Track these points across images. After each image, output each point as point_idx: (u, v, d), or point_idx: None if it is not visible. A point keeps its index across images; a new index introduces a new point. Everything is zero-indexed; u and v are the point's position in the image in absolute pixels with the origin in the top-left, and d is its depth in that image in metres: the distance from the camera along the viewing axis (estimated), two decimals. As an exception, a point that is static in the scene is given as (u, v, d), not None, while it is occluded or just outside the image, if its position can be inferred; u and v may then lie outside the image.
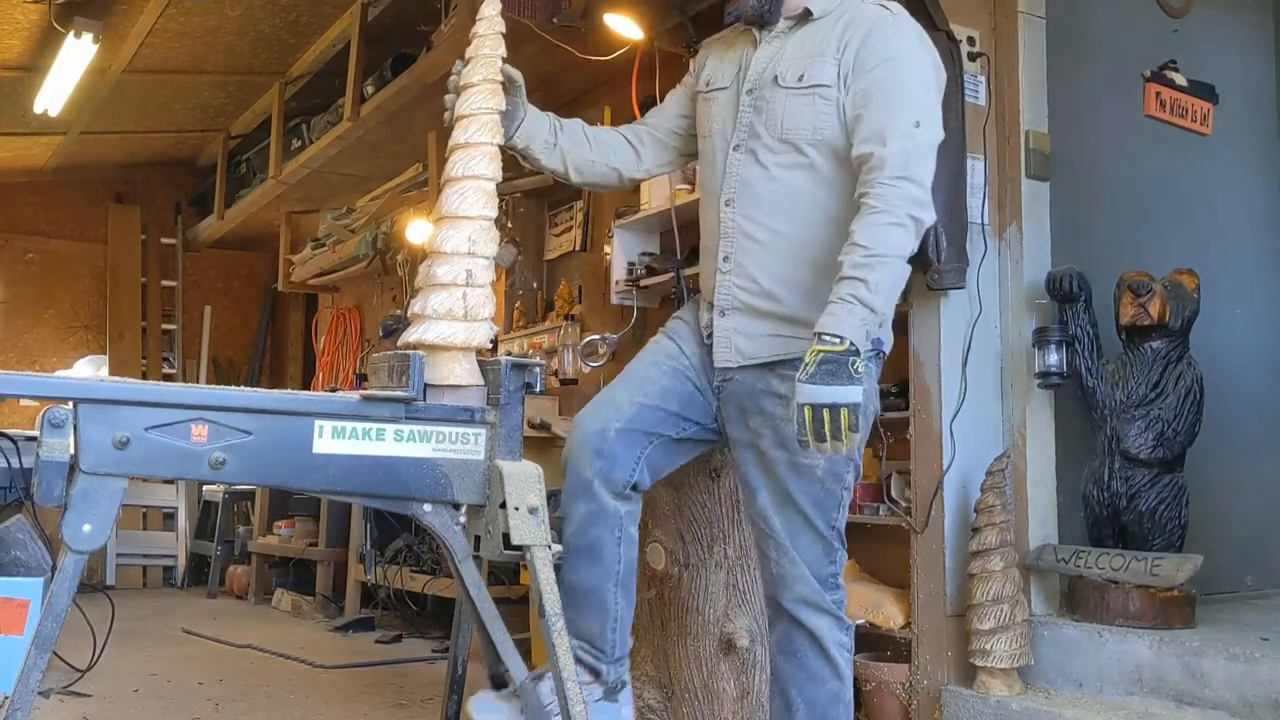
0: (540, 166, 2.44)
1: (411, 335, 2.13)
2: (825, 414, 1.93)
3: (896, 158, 2.07)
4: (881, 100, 2.13)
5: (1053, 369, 3.03)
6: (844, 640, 2.28)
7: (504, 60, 2.23)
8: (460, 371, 2.14)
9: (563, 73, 4.98)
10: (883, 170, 2.07)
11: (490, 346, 2.26)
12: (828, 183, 2.20)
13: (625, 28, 4.35)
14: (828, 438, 1.94)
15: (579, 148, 2.43)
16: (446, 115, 2.24)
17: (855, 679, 3.04)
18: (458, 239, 2.12)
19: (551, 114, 2.44)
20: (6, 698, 1.89)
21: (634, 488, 2.33)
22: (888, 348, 2.25)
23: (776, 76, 2.26)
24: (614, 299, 4.60)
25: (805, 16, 2.27)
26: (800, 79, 2.23)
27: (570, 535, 2.35)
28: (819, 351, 1.95)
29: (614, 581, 2.32)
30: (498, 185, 2.20)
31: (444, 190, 2.16)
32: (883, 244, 2.02)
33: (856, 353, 1.95)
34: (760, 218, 2.25)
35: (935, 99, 2.19)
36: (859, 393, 1.94)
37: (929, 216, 2.10)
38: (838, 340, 1.95)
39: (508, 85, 2.25)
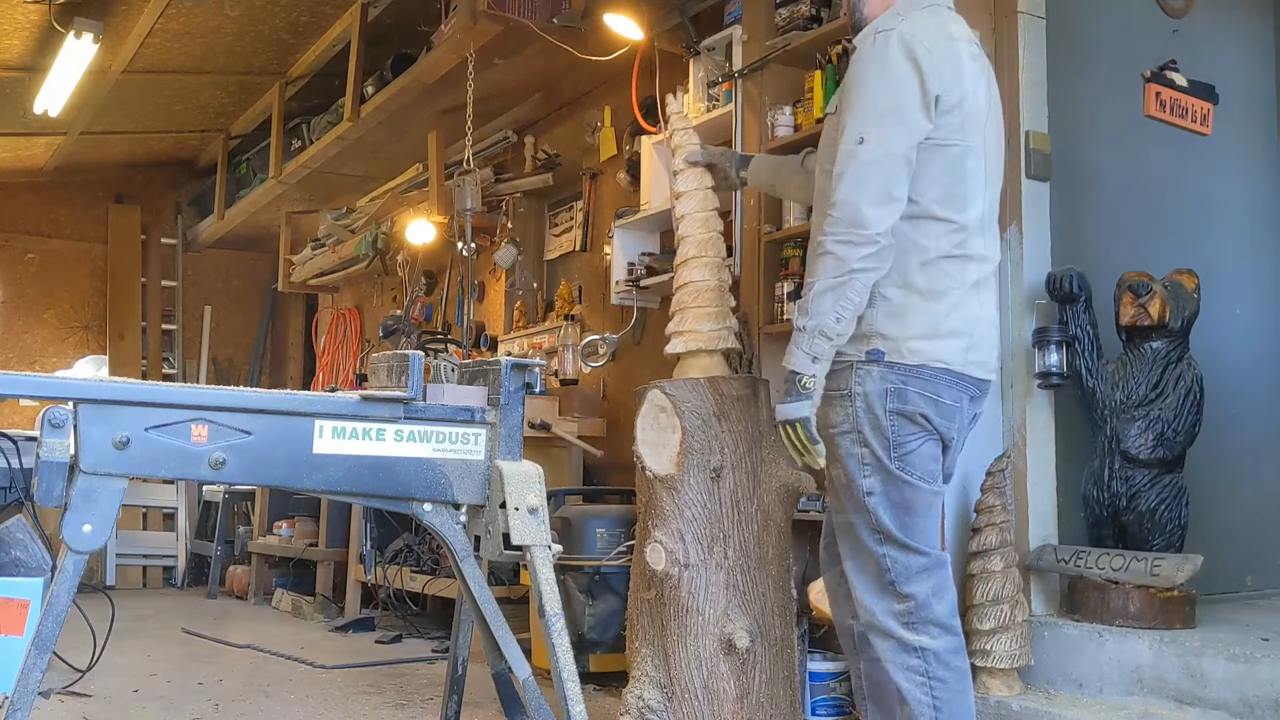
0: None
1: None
2: (786, 429, 2.19)
3: (836, 185, 2.17)
4: (841, 125, 2.22)
5: (1053, 369, 3.03)
6: (908, 662, 2.19)
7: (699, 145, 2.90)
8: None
9: (563, 73, 4.98)
10: (829, 199, 2.19)
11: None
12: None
13: (625, 28, 4.35)
14: (801, 452, 2.19)
15: (785, 185, 2.85)
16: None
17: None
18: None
19: (774, 159, 2.90)
20: (6, 698, 1.89)
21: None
22: (894, 356, 2.19)
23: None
24: (614, 299, 4.59)
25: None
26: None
27: None
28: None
29: None
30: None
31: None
32: (813, 273, 2.18)
33: (799, 375, 2.18)
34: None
35: (886, 102, 2.15)
36: (806, 407, 2.17)
37: (858, 235, 2.11)
38: (786, 369, 2.22)
39: (710, 168, 2.88)
